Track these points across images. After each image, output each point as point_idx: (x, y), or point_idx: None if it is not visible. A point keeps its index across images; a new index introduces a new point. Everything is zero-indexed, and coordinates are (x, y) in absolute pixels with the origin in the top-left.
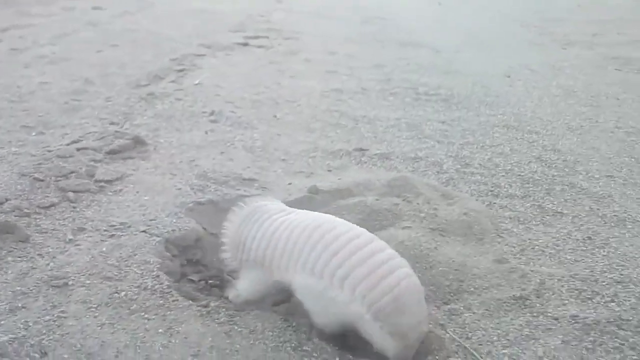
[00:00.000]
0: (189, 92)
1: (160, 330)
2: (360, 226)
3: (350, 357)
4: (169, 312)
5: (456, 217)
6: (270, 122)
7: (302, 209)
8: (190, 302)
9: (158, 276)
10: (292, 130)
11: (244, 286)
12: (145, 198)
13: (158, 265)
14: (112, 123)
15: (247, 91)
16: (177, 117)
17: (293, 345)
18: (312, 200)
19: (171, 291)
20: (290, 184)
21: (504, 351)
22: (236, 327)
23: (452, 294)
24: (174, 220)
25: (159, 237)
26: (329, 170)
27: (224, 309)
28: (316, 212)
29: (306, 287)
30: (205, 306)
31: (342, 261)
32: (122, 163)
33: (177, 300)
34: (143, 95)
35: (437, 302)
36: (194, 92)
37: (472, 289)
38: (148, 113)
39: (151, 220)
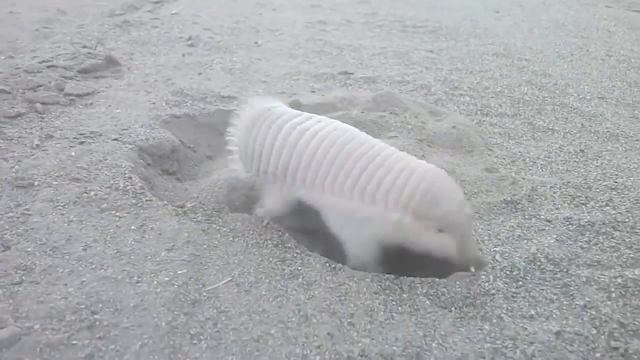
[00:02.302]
0: (165, 21)
1: (132, 227)
2: None
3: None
4: (142, 211)
5: (444, 130)
6: (250, 48)
7: None
8: (166, 202)
9: (130, 178)
10: (273, 55)
11: (271, 201)
12: (118, 111)
13: (130, 169)
14: (84, 47)
15: (226, 20)
16: (152, 43)
17: (274, 242)
18: None
19: (144, 192)
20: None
21: (495, 249)
22: (214, 226)
23: None
24: (148, 131)
25: (132, 144)
26: (313, 92)
27: (201, 209)
28: (335, 121)
29: (336, 209)
30: (181, 207)
31: (371, 177)
32: (94, 81)
33: (151, 200)
34: (118, 23)
35: None
36: (170, 21)
37: None
38: (122, 38)
39: (124, 129)
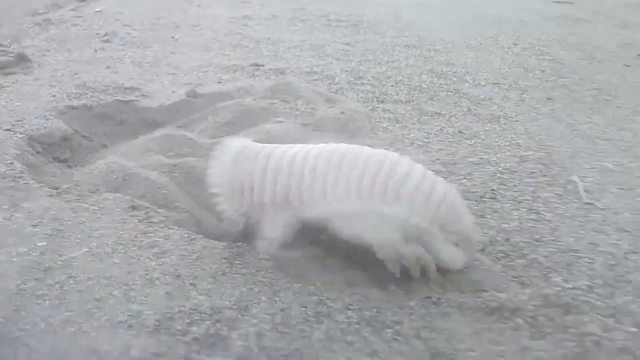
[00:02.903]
0: (87, 19)
1: (5, 207)
2: (231, 124)
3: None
4: (17, 192)
5: (333, 115)
6: (166, 43)
7: (181, 113)
8: (42, 184)
9: (12, 163)
10: (188, 49)
11: (272, 232)
12: (17, 104)
13: (15, 156)
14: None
15: (148, 17)
16: (70, 40)
17: (140, 218)
18: (190, 103)
19: (23, 176)
20: (174, 92)
21: None
22: (84, 205)
23: None
24: (42, 121)
25: (22, 134)
26: (219, 82)
27: (75, 190)
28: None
29: (354, 215)
30: (57, 188)
31: (388, 178)
32: (2, 77)
33: (28, 183)
34: (38, 21)
35: None
36: (92, 18)
37: None
38: (40, 36)
39: (17, 121)
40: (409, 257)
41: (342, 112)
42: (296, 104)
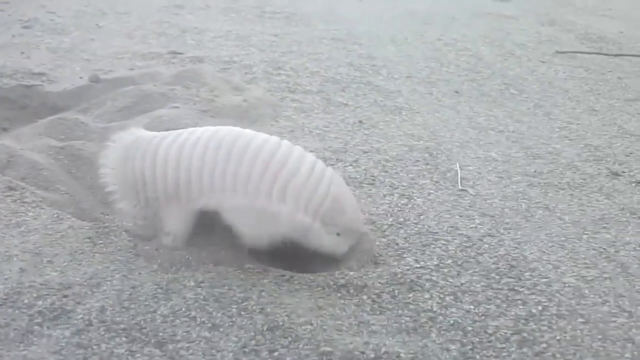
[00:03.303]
0: (13, 5)
1: None
2: (128, 109)
3: None
4: None
5: (235, 103)
6: (89, 30)
7: (82, 98)
8: None
9: None
10: (109, 37)
11: (173, 225)
12: None
13: None
14: None
15: (76, 3)
16: None
17: (15, 198)
18: (91, 88)
19: None
20: (81, 78)
21: None
22: None
23: None
24: None
25: None
26: (131, 69)
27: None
28: (209, 127)
29: (241, 209)
30: None
31: (276, 175)
32: None
33: None
34: None
35: None
36: (18, 5)
37: None
38: None
39: None
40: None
41: (244, 100)
42: (198, 91)
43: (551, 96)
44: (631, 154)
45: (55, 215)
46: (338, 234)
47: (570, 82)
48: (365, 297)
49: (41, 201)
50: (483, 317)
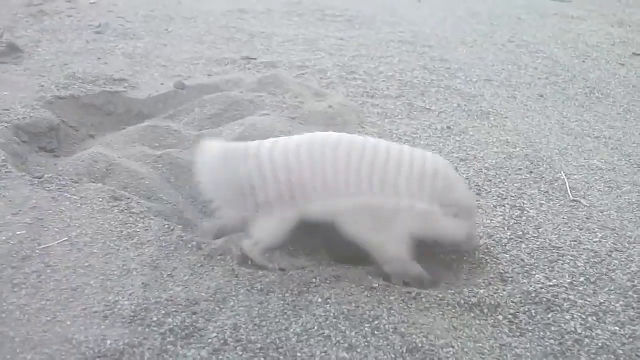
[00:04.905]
0: (81, 10)
1: None
2: (218, 116)
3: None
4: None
5: (320, 109)
6: (159, 35)
7: (168, 104)
8: (24, 173)
9: None
10: (180, 42)
11: (263, 233)
12: (5, 93)
13: None
14: None
15: (142, 9)
16: (63, 31)
17: (121, 208)
18: (177, 95)
19: (6, 165)
20: (162, 84)
21: None
22: (66, 194)
23: None
24: (28, 111)
25: (8, 123)
26: (209, 76)
27: (57, 180)
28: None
29: (364, 209)
30: (40, 178)
31: (385, 170)
32: None
33: (11, 172)
34: (33, 12)
35: None
36: (87, 10)
37: None
38: (34, 27)
39: (4, 110)
40: (412, 275)
41: (330, 106)
42: (284, 97)
43: (639, 100)
44: None
45: (166, 227)
46: (456, 216)
47: None
48: (500, 317)
49: (147, 211)
50: (631, 339)
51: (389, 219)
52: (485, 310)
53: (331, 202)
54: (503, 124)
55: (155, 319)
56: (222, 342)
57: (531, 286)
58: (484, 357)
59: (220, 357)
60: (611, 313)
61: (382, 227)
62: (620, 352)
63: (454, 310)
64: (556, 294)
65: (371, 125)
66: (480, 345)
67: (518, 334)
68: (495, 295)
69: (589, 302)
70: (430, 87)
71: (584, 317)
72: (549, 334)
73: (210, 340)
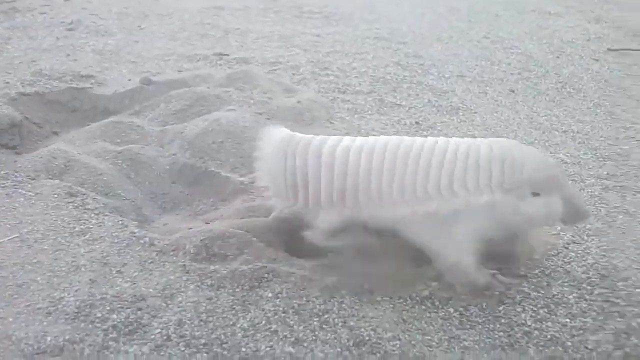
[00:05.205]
0: (55, 7)
1: None
2: (183, 112)
3: None
4: None
5: (289, 105)
6: (132, 32)
7: (134, 100)
8: None
9: None
10: (153, 38)
11: (322, 223)
12: None
13: None
14: None
15: (118, 5)
16: (34, 28)
17: (76, 204)
18: (143, 90)
19: None
20: (130, 80)
21: None
22: (21, 191)
23: None
24: None
25: None
26: (179, 72)
27: (12, 177)
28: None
29: (421, 215)
30: None
31: (440, 169)
32: None
33: None
34: (5, 9)
35: (242, 170)
36: (60, 7)
37: None
38: (4, 24)
39: None
40: (479, 285)
41: (298, 102)
42: (252, 93)
43: (610, 95)
44: None
45: (119, 223)
46: (536, 194)
47: (627, 80)
48: (451, 310)
49: (103, 207)
50: (581, 331)
51: (449, 223)
52: (437, 303)
53: (383, 210)
54: (472, 118)
55: (99, 315)
56: (165, 337)
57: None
58: (431, 349)
59: (162, 353)
60: (563, 305)
61: (442, 232)
62: (569, 343)
63: (404, 304)
64: (509, 286)
65: (340, 121)
66: (429, 337)
67: (468, 326)
68: (448, 288)
69: (542, 294)
70: (402, 83)
71: (535, 309)
72: (498, 326)
73: (153, 336)
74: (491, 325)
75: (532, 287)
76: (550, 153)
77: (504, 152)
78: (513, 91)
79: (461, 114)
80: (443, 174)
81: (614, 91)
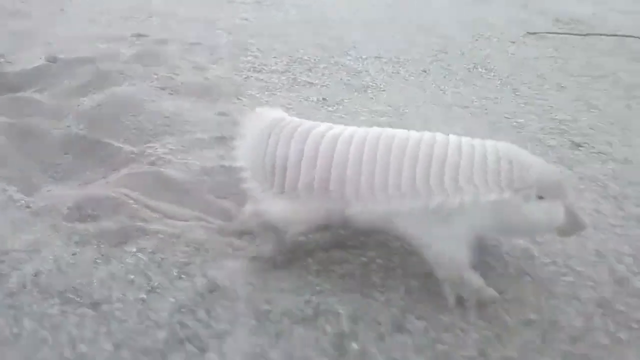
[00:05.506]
0: None
1: None
2: (84, 87)
3: None
4: None
5: (196, 81)
6: (53, 14)
7: (39, 77)
8: None
9: None
10: (74, 21)
11: (279, 209)
12: None
13: None
14: None
15: None
16: None
17: None
18: (49, 68)
19: None
20: (40, 58)
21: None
22: None
23: (153, 135)
24: None
25: None
26: (90, 50)
27: None
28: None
29: (420, 211)
30: None
31: (443, 166)
32: None
33: None
34: None
35: (137, 143)
36: None
37: (175, 132)
38: None
39: None
40: (471, 288)
41: (206, 78)
42: (156, 68)
43: (520, 74)
44: (595, 126)
45: (1, 189)
46: (541, 197)
47: (541, 61)
48: (311, 260)
49: None
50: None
51: (449, 219)
52: (299, 255)
53: (375, 205)
54: (378, 96)
55: None
56: (21, 285)
57: (343, 231)
58: (283, 293)
59: (15, 299)
60: None
61: (439, 227)
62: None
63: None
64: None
65: (248, 97)
66: (284, 284)
67: (324, 274)
68: (311, 242)
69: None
70: (319, 64)
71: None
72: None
73: (9, 285)
74: (346, 272)
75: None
76: (447, 126)
77: (511, 152)
78: (425, 71)
79: (370, 92)
80: (447, 168)
81: (525, 71)
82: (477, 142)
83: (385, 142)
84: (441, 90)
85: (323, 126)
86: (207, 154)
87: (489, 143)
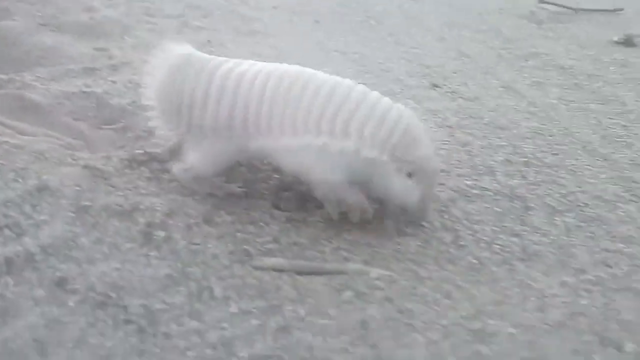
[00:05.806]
0: None
1: None
2: None
3: None
4: None
5: (82, 20)
6: None
7: None
8: None
9: None
10: None
11: (196, 158)
12: None
13: None
14: None
15: None
16: None
17: None
18: None
19: None
20: None
21: None
22: None
23: (26, 66)
24: None
25: None
26: None
27: None
28: (274, 63)
29: (303, 149)
30: None
31: (338, 110)
32: None
33: None
34: None
35: (8, 71)
36: None
37: (47, 63)
38: None
39: None
40: (349, 203)
41: (91, 18)
42: (43, 7)
43: (409, 28)
44: (460, 71)
45: None
46: (409, 175)
47: (432, 16)
48: (144, 168)
49: None
50: None
51: (332, 159)
52: (134, 164)
53: (273, 140)
54: (264, 40)
55: None
56: None
57: None
58: (107, 194)
59: None
60: None
61: (321, 160)
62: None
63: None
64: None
65: (133, 38)
66: (110, 185)
67: (146, 179)
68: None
69: None
70: (215, 11)
71: None
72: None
73: None
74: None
75: None
76: (319, 69)
77: (410, 122)
78: (318, 21)
79: (258, 37)
80: (340, 113)
81: (414, 25)
82: (385, 99)
83: (290, 79)
84: (326, 38)
85: (232, 62)
86: (74, 82)
87: (397, 105)
